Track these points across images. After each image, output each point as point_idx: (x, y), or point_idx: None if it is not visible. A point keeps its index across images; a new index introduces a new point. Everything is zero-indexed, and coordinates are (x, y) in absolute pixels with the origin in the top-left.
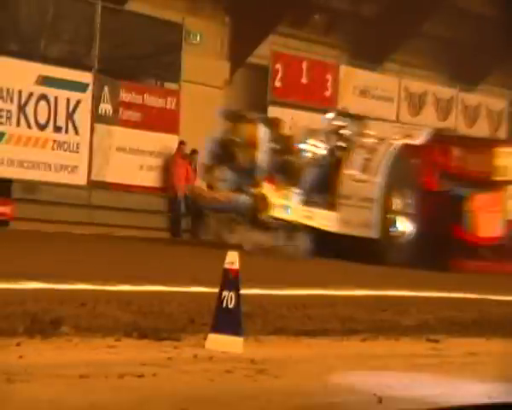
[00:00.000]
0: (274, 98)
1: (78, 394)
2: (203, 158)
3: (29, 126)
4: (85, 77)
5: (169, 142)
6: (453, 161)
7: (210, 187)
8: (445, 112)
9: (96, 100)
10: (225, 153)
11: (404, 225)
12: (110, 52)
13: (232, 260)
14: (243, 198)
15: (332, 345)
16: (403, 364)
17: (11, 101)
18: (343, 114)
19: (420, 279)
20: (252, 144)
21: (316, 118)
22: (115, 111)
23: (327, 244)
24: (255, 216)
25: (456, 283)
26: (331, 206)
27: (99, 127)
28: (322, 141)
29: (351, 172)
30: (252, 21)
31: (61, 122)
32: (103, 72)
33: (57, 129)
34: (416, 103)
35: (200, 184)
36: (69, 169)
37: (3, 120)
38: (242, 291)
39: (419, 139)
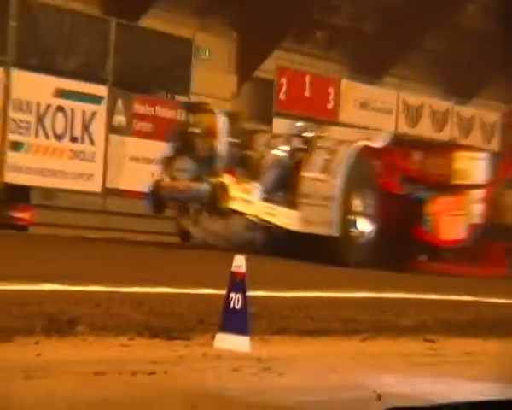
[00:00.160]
0: (279, 110)
1: (93, 390)
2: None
3: (47, 137)
4: (100, 90)
5: None
6: (413, 164)
7: (172, 179)
8: (440, 123)
9: (111, 112)
10: (185, 144)
11: (364, 226)
12: (124, 66)
13: (239, 263)
14: (204, 187)
15: (333, 344)
16: (401, 363)
17: (30, 112)
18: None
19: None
20: (211, 134)
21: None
22: (129, 122)
23: (286, 243)
24: (214, 204)
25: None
26: (292, 205)
27: (113, 137)
28: (284, 143)
29: (311, 172)
30: (258, 38)
31: (78, 133)
32: (117, 85)
33: (74, 139)
34: (414, 115)
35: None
36: (85, 177)
37: (23, 130)
38: (248, 293)
39: (379, 142)
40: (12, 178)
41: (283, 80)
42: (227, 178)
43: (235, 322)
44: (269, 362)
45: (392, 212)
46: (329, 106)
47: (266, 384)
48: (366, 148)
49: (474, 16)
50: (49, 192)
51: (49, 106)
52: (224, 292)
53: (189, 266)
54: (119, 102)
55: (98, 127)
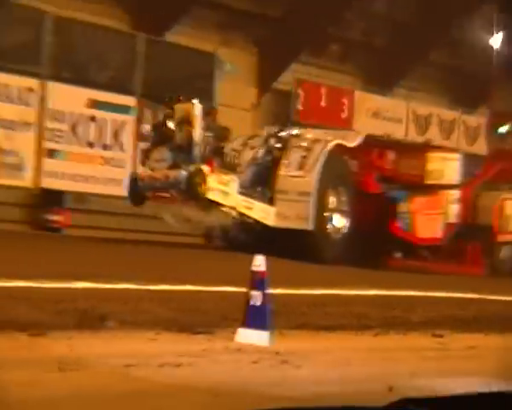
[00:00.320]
0: (296, 120)
1: (123, 381)
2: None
3: (80, 144)
4: (129, 101)
5: None
6: (389, 164)
7: (152, 170)
8: (448, 132)
9: (139, 121)
10: (162, 134)
11: (339, 222)
12: (151, 79)
13: (259, 262)
14: (181, 174)
15: (347, 339)
16: (411, 356)
17: (64, 122)
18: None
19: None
20: (188, 122)
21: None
22: None
23: (262, 237)
24: (192, 191)
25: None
26: (269, 200)
27: (141, 145)
28: (261, 142)
29: (287, 168)
30: (277, 52)
31: (108, 141)
32: (145, 96)
33: (105, 147)
34: (423, 124)
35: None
36: (115, 182)
37: (58, 138)
38: (268, 291)
39: (354, 142)
40: (48, 183)
41: (300, 91)
42: (204, 167)
43: (255, 318)
44: (287, 355)
45: (368, 210)
46: (344, 115)
47: (284, 376)
48: (340, 146)
49: (479, 30)
50: (81, 196)
51: (81, 116)
52: (245, 290)
53: (210, 265)
54: (147, 112)
55: (127, 136)
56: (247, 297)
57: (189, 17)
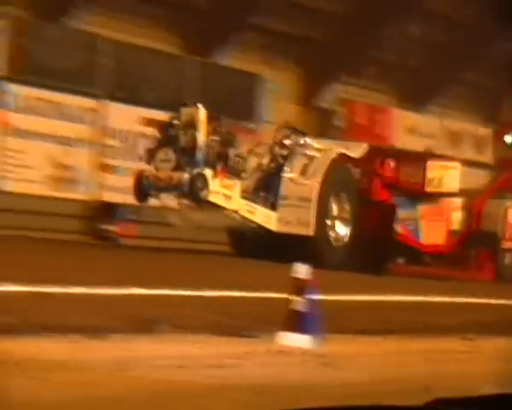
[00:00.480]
0: (339, 138)
1: (175, 380)
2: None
3: (132, 159)
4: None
5: None
6: (392, 172)
7: (156, 170)
8: (479, 147)
9: None
10: (168, 136)
11: (341, 229)
12: (197, 98)
13: (300, 270)
14: (184, 177)
15: (384, 343)
16: (443, 359)
17: (120, 139)
18: (287, 127)
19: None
20: (192, 126)
21: None
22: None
23: (264, 242)
24: (194, 194)
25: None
26: (272, 206)
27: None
28: (266, 149)
29: (290, 175)
30: (318, 72)
31: None
32: None
33: None
34: (455, 140)
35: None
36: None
37: (113, 154)
38: (309, 296)
39: (357, 151)
40: (108, 197)
41: (341, 110)
42: (207, 171)
43: (297, 322)
44: (328, 358)
45: (371, 217)
46: (382, 132)
47: (326, 377)
48: (343, 155)
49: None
50: (133, 208)
51: (132, 132)
52: (284, 295)
53: (246, 271)
54: None
55: None
56: (290, 303)
57: (235, 40)
